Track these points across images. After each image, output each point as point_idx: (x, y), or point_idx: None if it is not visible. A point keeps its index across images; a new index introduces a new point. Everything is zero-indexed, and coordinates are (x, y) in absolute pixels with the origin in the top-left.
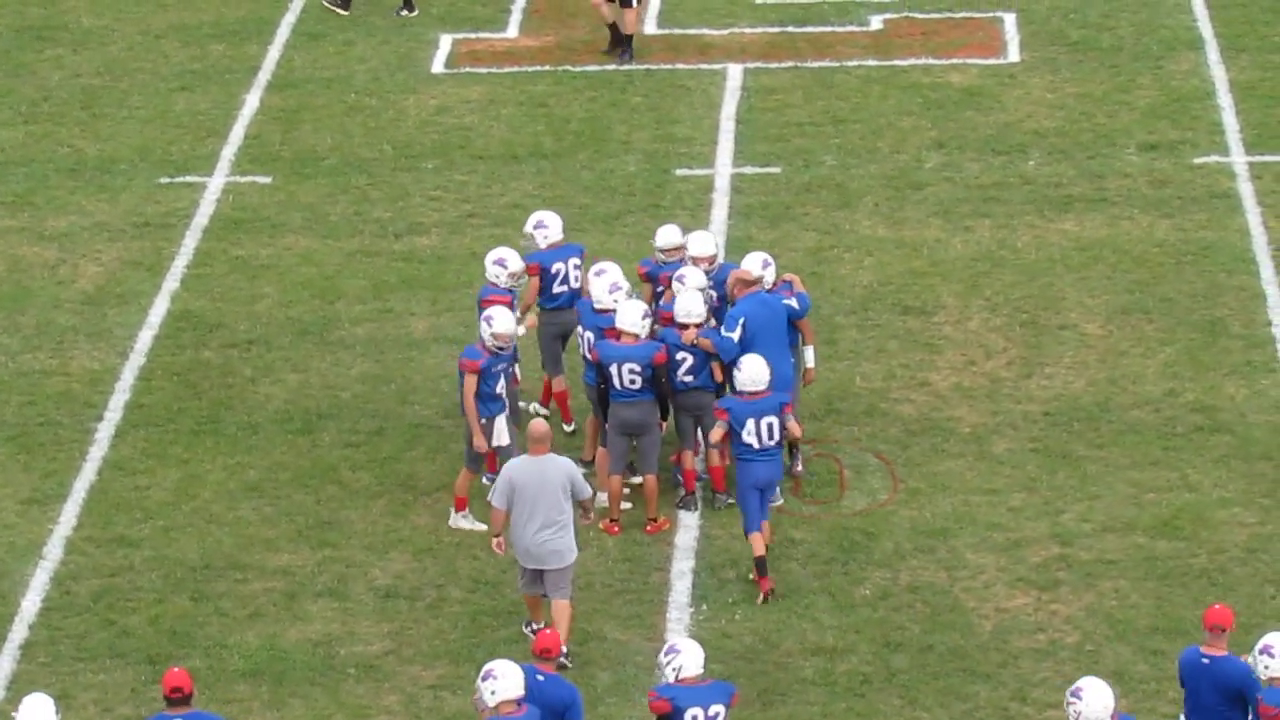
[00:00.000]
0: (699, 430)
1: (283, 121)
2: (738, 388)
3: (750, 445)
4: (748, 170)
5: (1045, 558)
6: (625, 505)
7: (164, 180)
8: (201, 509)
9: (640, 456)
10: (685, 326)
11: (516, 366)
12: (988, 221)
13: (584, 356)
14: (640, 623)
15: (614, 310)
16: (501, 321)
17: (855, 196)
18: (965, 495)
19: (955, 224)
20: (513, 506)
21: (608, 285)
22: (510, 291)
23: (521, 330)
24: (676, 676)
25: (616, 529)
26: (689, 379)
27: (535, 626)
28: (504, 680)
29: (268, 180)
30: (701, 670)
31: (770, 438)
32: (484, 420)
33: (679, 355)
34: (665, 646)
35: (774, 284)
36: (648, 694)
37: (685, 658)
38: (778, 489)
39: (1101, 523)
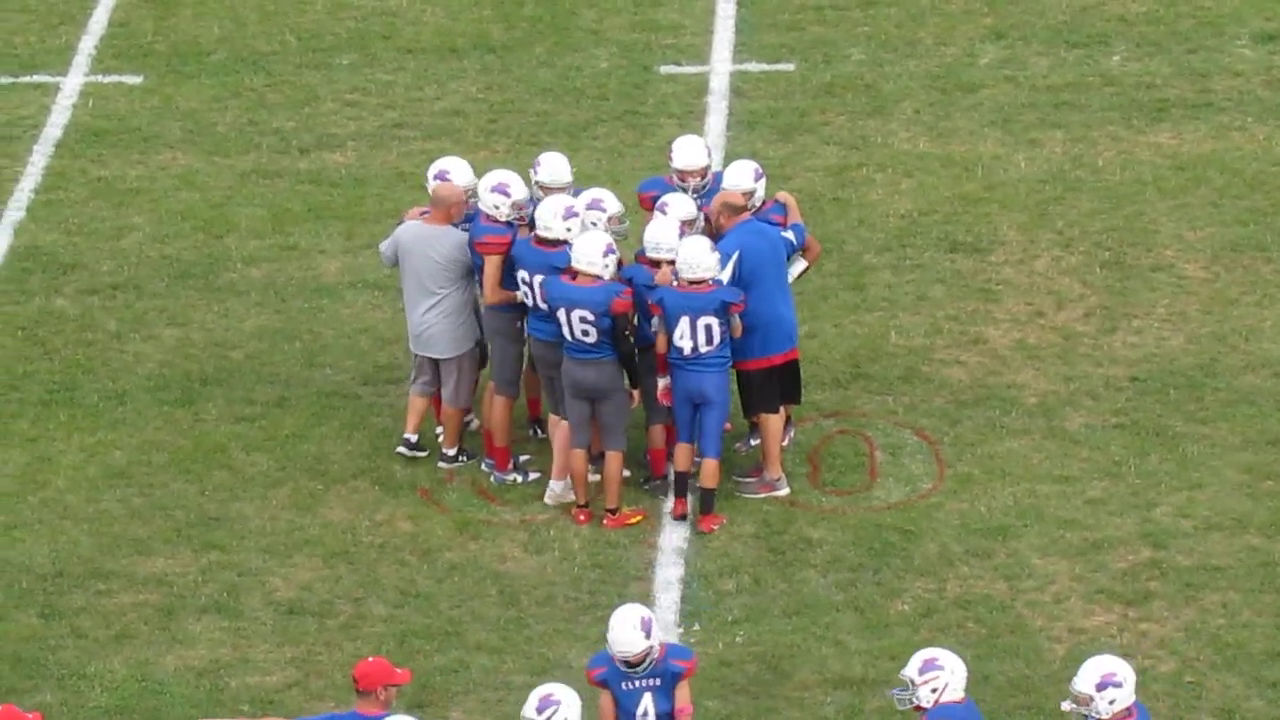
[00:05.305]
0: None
1: (157, 5)
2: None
3: (680, 349)
4: (752, 67)
5: (1133, 563)
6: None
7: (5, 80)
8: (53, 500)
9: (600, 428)
10: (656, 264)
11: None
12: (1059, 133)
13: (533, 305)
14: None
15: (564, 242)
16: (621, 635)
17: (890, 101)
18: (1031, 484)
19: (1018, 136)
20: (401, 275)
21: (561, 209)
22: (511, 226)
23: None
24: None
25: (585, 517)
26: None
27: (409, 438)
28: None
29: (138, 80)
30: None
31: (709, 342)
32: None
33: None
34: (538, 696)
35: (764, 204)
36: None
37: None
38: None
39: (1205, 519)
